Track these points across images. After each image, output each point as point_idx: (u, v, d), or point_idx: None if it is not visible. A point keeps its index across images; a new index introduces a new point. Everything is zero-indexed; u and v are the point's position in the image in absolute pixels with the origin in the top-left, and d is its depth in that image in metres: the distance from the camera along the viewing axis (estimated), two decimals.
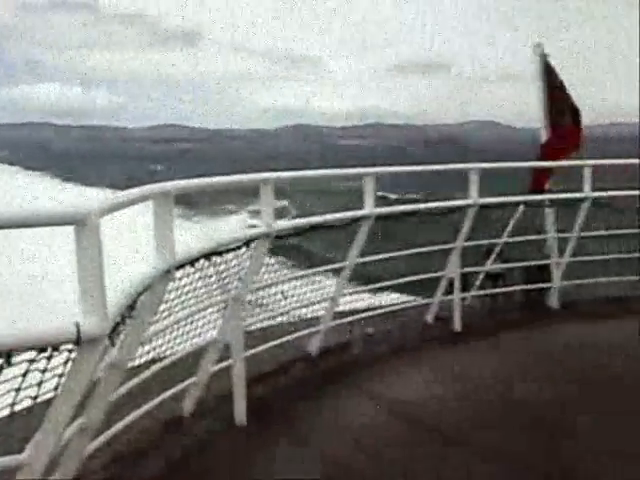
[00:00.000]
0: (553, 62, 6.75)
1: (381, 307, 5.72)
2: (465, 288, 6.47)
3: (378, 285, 5.69)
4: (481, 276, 6.72)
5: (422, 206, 5.67)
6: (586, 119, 7.06)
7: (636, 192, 6.92)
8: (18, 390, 1.93)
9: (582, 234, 6.43)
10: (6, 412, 2.00)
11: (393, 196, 28.49)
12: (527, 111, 6.95)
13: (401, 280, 5.67)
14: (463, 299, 6.04)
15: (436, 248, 5.79)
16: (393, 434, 3.67)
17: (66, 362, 1.97)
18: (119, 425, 3.11)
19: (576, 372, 4.61)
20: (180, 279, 3.13)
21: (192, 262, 3.15)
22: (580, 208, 6.27)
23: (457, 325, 5.70)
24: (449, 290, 5.84)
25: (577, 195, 6.27)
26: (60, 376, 2.01)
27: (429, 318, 5.86)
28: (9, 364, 1.81)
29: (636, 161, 6.79)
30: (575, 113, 6.77)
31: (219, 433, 3.68)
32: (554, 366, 4.76)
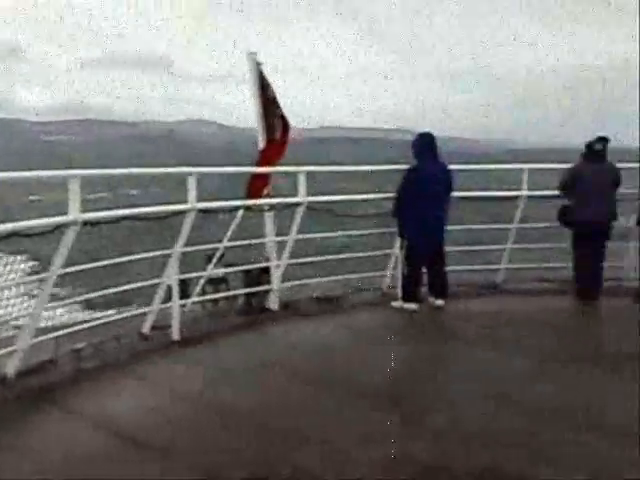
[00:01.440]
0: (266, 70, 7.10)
1: (93, 319, 5.57)
2: (187, 295, 6.62)
3: (86, 297, 5.53)
4: (202, 282, 6.91)
5: (136, 210, 5.63)
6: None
7: (357, 197, 7.73)
8: None
9: (298, 237, 6.88)
10: None
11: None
12: (249, 113, 7.34)
13: (112, 290, 5.54)
14: (183, 306, 6.17)
15: (152, 255, 5.79)
16: (101, 451, 3.63)
17: None
18: None
19: (295, 372, 4.93)
20: None
21: None
22: (297, 212, 6.69)
23: (175, 334, 5.76)
24: (169, 298, 5.89)
25: (293, 200, 6.72)
26: None
27: (145, 328, 5.81)
28: None
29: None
30: (285, 125, 7.24)
31: None
32: (270, 368, 5.04)
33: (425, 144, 6.83)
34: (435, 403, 4.39)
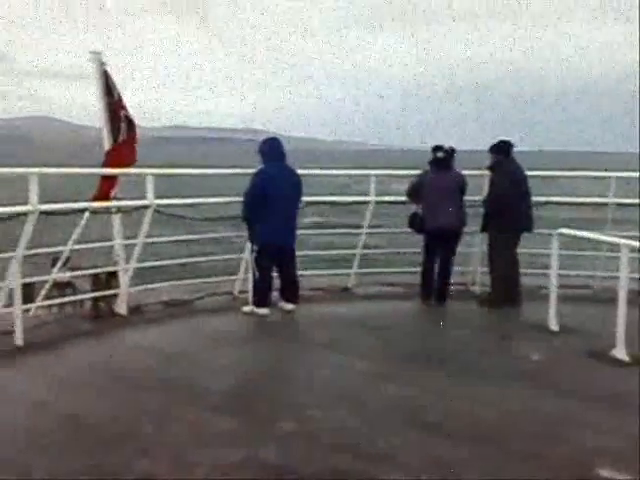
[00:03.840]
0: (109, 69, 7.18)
1: None
2: (32, 299, 6.57)
3: None
4: (47, 285, 6.89)
5: None
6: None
7: (207, 200, 7.98)
8: None
9: (146, 240, 7.03)
10: None
11: None
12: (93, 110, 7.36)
13: None
14: (27, 311, 6.13)
15: None
16: None
17: None
18: None
19: (140, 378, 5.08)
20: None
21: None
22: (145, 215, 6.86)
23: (19, 339, 5.77)
24: (11, 301, 5.87)
25: (141, 203, 6.88)
26: None
27: None
28: None
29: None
30: (131, 126, 7.37)
31: None
32: (115, 374, 5.16)
33: (273, 148, 7.15)
34: (283, 407, 4.57)
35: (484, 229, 7.78)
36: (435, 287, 7.68)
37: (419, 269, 7.80)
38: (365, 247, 8.36)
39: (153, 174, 6.90)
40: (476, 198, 7.91)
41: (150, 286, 7.53)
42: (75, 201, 6.81)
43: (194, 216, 8.16)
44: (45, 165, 6.67)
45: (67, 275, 7.06)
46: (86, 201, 6.97)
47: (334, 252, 9.27)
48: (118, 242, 7.13)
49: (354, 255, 8.32)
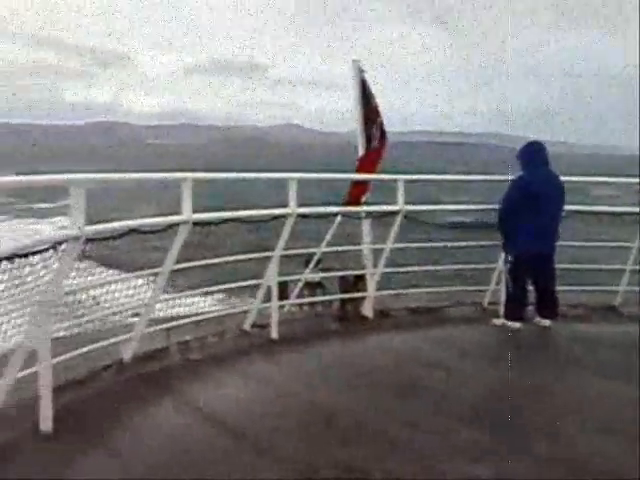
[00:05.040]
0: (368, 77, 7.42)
1: (199, 314, 6.06)
2: (285, 296, 7.02)
3: (198, 291, 6.05)
4: (300, 285, 7.31)
5: (241, 213, 6.08)
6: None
7: (451, 207, 7.93)
8: None
9: (395, 246, 7.13)
10: None
11: None
12: (338, 117, 7.67)
13: (221, 287, 6.04)
14: (281, 307, 6.55)
15: (252, 256, 6.25)
16: (204, 439, 4.01)
17: None
18: None
19: (383, 379, 5.15)
20: None
21: None
22: (395, 220, 6.94)
23: (274, 333, 6.19)
24: (268, 298, 6.32)
25: (391, 208, 6.98)
26: None
27: (247, 325, 6.31)
28: None
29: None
30: (383, 134, 7.55)
31: (22, 441, 3.81)
32: (363, 373, 5.29)
33: (535, 152, 6.80)
34: (537, 427, 4.33)
35: None
36: None
37: None
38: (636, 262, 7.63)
39: (405, 180, 6.95)
40: None
41: (396, 291, 7.63)
42: (328, 205, 7.13)
43: (443, 222, 8.08)
44: (297, 170, 7.03)
45: (318, 276, 7.41)
46: (338, 205, 7.29)
47: (597, 266, 8.53)
48: (367, 246, 7.31)
49: (624, 270, 7.63)
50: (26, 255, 3.66)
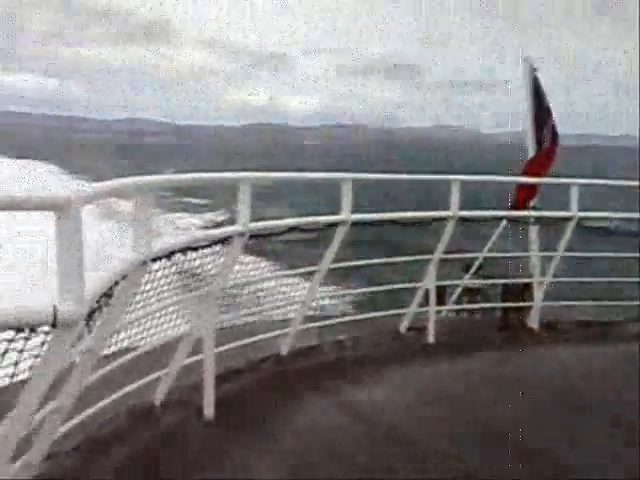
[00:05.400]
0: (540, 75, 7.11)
1: (354, 314, 6.11)
2: (442, 300, 6.86)
3: (354, 291, 6.09)
4: (458, 290, 7.11)
5: (400, 215, 6.03)
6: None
7: (628, 215, 7.36)
8: None
9: (565, 254, 6.73)
10: None
11: None
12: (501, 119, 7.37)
13: (380, 288, 6.04)
14: (438, 312, 6.42)
15: (412, 259, 6.17)
16: (356, 437, 4.05)
17: (43, 344, 2.20)
18: (92, 409, 3.43)
19: (546, 395, 4.90)
20: (157, 271, 3.44)
21: (168, 255, 3.46)
22: (567, 227, 6.57)
23: (431, 337, 6.09)
24: (425, 301, 6.21)
25: (563, 214, 6.60)
26: (37, 357, 2.22)
27: (402, 328, 6.26)
28: None
29: (635, 183, 7.20)
30: (554, 136, 7.20)
31: (187, 425, 4.05)
32: (526, 388, 5.04)
33: None
34: None
35: None
36: None
37: None
38: None
39: (578, 184, 6.53)
40: None
41: (567, 303, 7.20)
42: (493, 209, 6.87)
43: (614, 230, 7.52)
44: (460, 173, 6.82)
45: (479, 282, 7.17)
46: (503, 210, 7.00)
47: None
48: (535, 253, 6.97)
49: None
50: (196, 249, 3.85)
